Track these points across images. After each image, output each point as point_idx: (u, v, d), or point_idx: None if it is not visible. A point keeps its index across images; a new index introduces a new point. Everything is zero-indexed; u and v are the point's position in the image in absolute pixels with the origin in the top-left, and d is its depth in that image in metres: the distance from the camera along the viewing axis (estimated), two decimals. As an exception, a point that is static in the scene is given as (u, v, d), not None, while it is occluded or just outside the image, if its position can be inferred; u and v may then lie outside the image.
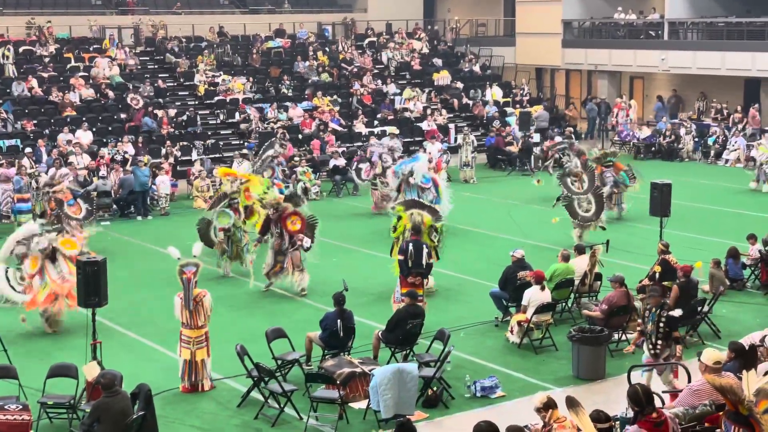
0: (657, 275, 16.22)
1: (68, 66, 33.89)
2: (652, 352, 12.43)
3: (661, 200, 18.52)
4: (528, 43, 40.74)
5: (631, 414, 9.77)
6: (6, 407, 11.44)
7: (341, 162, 29.32)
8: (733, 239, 20.03)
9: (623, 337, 14.85)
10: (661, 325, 12.29)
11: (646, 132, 35.18)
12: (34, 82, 31.87)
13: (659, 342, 12.35)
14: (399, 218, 17.58)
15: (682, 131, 34.24)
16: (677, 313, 13.74)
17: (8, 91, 31.59)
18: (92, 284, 12.59)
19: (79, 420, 11.77)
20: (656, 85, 39.28)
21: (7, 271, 15.98)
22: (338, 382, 12.20)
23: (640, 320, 13.49)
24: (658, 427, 8.43)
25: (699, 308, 15.37)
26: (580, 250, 17.02)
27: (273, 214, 18.16)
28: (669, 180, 19.02)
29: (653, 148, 34.48)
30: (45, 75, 32.77)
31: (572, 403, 8.65)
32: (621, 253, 20.28)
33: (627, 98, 37.77)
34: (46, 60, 33.87)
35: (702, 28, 37.14)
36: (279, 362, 13.35)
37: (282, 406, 12.24)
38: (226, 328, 15.49)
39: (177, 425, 12.21)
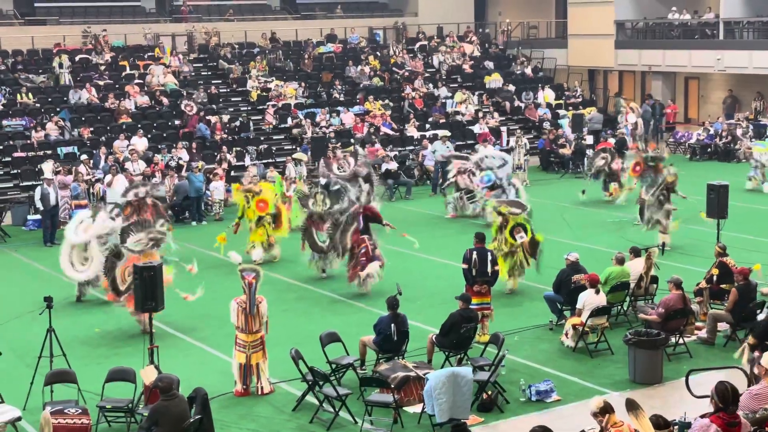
0: (715, 278, 16.03)
1: (123, 74, 34.38)
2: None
3: (718, 202, 18.31)
4: (580, 44, 40.45)
5: (689, 419, 9.69)
6: (66, 411, 11.61)
7: (393, 166, 29.33)
8: (793, 241, 19.71)
9: (680, 341, 14.67)
10: None
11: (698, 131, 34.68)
12: (92, 91, 32.33)
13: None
14: (500, 214, 17.93)
15: (739, 132, 33.76)
16: None
17: (65, 99, 32.11)
18: (149, 289, 12.75)
19: (137, 423, 11.92)
20: (712, 86, 38.77)
21: (71, 251, 17.35)
22: (393, 386, 12.20)
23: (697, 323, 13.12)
24: (731, 427, 8.33)
25: (758, 311, 15.12)
26: (635, 252, 16.84)
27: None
28: (726, 181, 18.78)
29: (709, 149, 34.03)
30: (101, 83, 33.26)
31: (632, 406, 8.58)
32: (677, 256, 20.08)
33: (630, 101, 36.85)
34: (102, 68, 34.39)
35: (758, 28, 36.59)
36: (333, 366, 13.39)
37: (337, 410, 12.27)
38: (281, 332, 15.55)
39: (233, 429, 12.28)
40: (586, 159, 30.90)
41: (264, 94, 34.50)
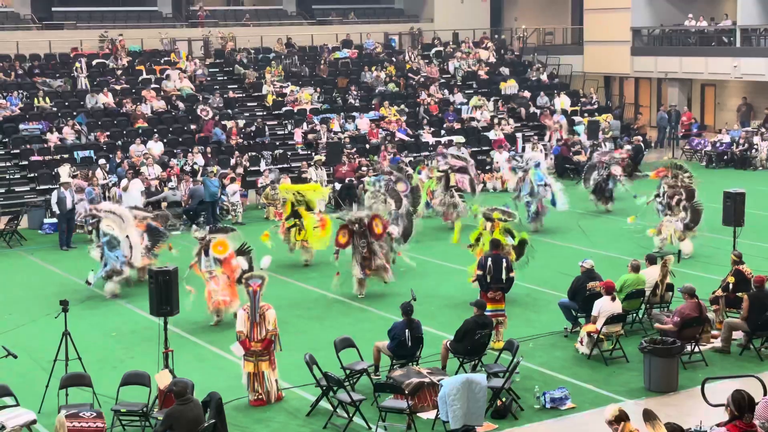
0: (731, 286, 15.95)
1: (140, 78, 34.51)
2: None
3: (734, 209, 18.23)
4: (596, 51, 40.39)
5: (704, 427, 9.65)
6: (80, 414, 11.66)
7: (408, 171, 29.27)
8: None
9: (696, 349, 14.61)
10: None
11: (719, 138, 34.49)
12: (109, 95, 32.46)
13: None
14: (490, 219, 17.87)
15: (756, 139, 33.63)
16: None
17: (82, 103, 32.25)
18: (164, 293, 12.77)
19: (151, 427, 11.95)
20: (728, 93, 38.65)
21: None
22: (407, 392, 12.19)
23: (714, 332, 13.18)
24: (747, 435, 8.30)
25: (774, 319, 15.05)
26: (651, 260, 16.77)
27: (357, 229, 18.28)
28: (742, 189, 18.70)
29: (725, 157, 33.90)
30: (117, 87, 33.39)
31: (649, 416, 8.54)
32: (693, 264, 20.00)
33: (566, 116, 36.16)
34: (119, 72, 34.53)
35: (775, 35, 36.49)
36: (347, 372, 13.39)
37: (351, 415, 12.26)
38: (295, 337, 15.59)
39: (247, 434, 12.31)
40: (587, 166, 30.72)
41: (280, 99, 34.57)
